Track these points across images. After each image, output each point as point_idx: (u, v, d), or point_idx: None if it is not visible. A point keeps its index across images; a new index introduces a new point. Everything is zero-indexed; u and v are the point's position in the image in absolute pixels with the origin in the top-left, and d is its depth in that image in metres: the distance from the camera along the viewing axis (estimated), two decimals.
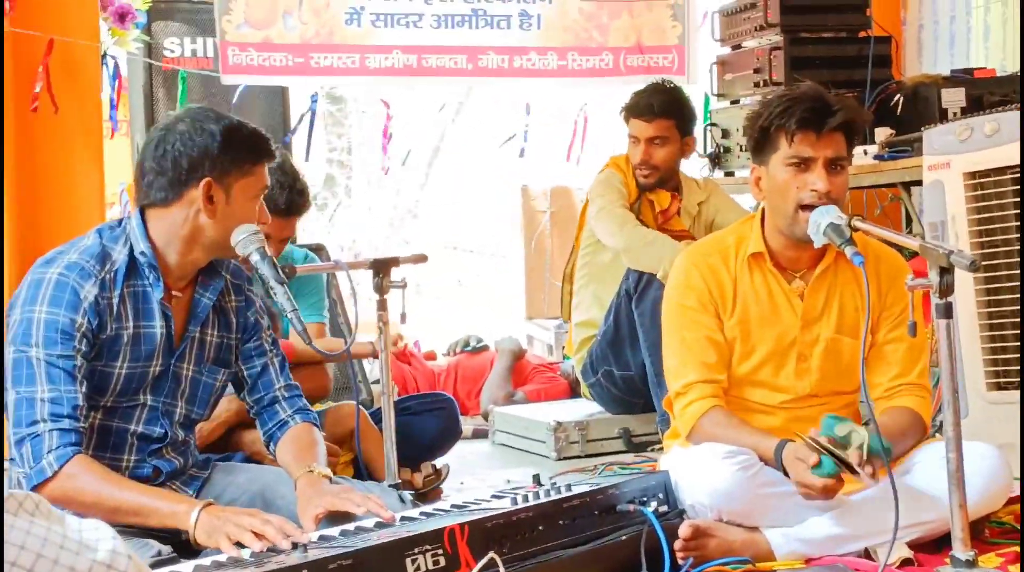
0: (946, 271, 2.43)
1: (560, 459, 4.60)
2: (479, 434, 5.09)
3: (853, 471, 2.79)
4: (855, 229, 2.85)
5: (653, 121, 4.69)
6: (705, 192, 4.87)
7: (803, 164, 3.01)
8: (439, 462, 3.99)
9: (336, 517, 2.70)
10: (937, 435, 3.45)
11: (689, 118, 4.79)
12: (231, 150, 2.76)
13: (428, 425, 3.98)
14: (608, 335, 4.58)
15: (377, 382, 4.31)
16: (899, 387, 3.11)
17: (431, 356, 6.02)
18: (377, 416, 3.72)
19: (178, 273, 2.84)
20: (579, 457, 4.60)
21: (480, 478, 4.35)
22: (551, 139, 6.84)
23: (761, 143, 3.09)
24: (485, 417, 5.26)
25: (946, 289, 2.44)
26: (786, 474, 2.91)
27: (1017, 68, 5.27)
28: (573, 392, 5.54)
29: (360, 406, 3.45)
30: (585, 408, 4.86)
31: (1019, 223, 3.78)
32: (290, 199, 3.73)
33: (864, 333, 2.81)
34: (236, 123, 2.81)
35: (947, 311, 2.45)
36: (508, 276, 7.64)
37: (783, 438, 2.95)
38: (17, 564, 1.09)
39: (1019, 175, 3.76)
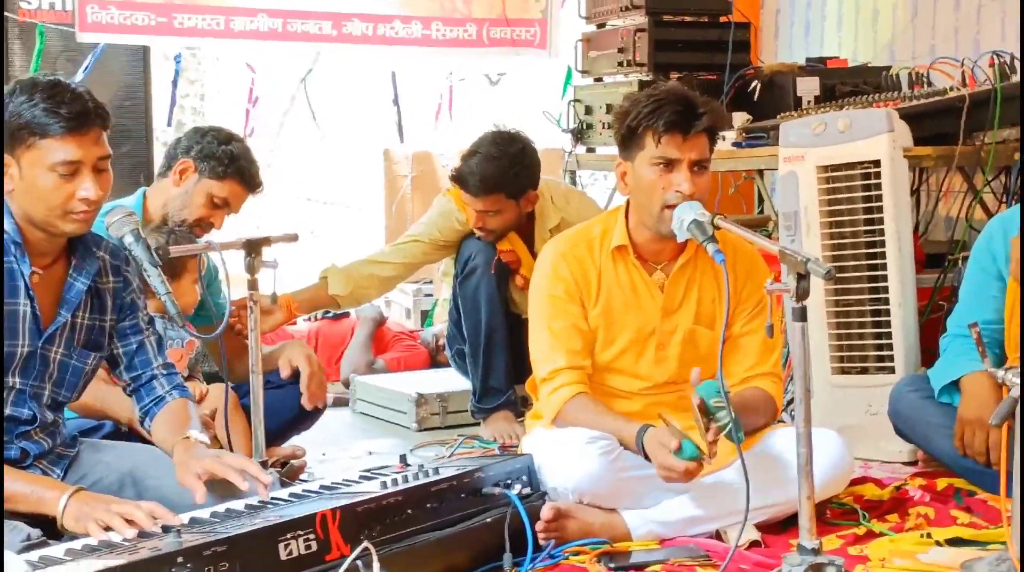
0: (803, 277, 2.55)
1: (421, 430, 4.67)
2: (339, 402, 5.10)
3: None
4: (717, 227, 2.96)
5: (479, 197, 4.29)
6: (559, 213, 4.45)
7: (669, 165, 3.11)
8: (299, 440, 3.99)
9: (216, 484, 2.73)
10: (785, 420, 3.63)
11: (523, 182, 4.30)
12: (12, 125, 2.69)
13: (292, 398, 3.94)
14: (452, 315, 4.65)
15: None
16: (754, 376, 3.27)
17: (291, 321, 6.00)
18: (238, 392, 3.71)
19: (38, 249, 2.80)
20: (439, 429, 4.67)
21: (342, 448, 4.39)
22: (415, 105, 6.85)
23: (628, 140, 3.18)
24: (346, 385, 5.29)
25: (802, 294, 2.56)
26: (647, 457, 3.04)
27: (866, 59, 5.49)
28: (432, 361, 5.61)
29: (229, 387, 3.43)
30: (445, 380, 4.92)
31: (866, 216, 3.97)
32: (256, 173, 3.83)
33: (724, 325, 2.92)
34: (25, 97, 2.69)
35: (802, 315, 2.58)
36: (365, 230, 7.60)
37: (644, 423, 3.08)
38: None
39: (867, 170, 3.96)
